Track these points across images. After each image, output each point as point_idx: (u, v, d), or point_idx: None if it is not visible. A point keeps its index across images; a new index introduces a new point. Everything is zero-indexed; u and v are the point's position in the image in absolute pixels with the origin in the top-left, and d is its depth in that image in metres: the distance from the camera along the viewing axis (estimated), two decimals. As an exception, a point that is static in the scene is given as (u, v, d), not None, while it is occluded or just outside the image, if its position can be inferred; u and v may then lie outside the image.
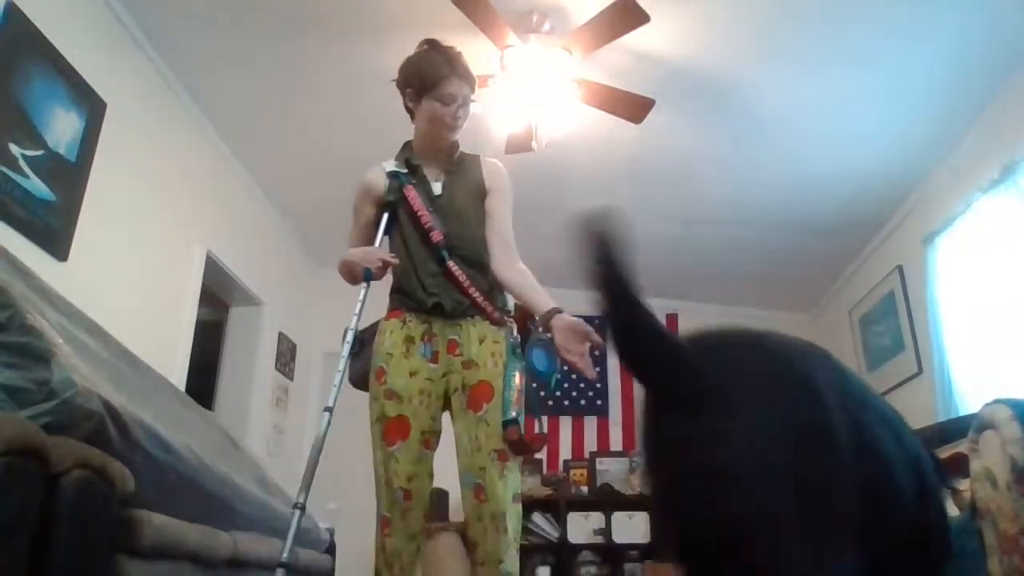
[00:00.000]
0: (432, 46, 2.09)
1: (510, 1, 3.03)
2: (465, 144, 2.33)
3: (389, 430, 1.91)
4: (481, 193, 2.11)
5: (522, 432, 1.88)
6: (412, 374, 1.94)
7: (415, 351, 1.96)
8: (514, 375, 1.94)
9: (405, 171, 2.10)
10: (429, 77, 2.02)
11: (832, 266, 5.14)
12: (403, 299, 2.02)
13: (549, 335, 1.85)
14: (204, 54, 3.46)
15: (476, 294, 1.99)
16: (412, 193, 2.05)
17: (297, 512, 1.71)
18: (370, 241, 2.10)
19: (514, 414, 1.88)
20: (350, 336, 2.01)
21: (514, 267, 2.04)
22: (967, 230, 3.58)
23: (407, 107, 2.14)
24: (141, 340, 2.52)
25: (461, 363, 1.96)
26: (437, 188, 2.11)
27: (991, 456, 1.57)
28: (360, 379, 2.04)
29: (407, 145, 2.19)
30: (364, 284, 2.01)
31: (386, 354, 1.95)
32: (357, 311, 2.05)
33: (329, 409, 1.90)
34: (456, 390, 1.97)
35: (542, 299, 1.94)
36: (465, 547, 2.04)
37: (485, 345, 1.97)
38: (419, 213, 2.02)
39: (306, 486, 1.77)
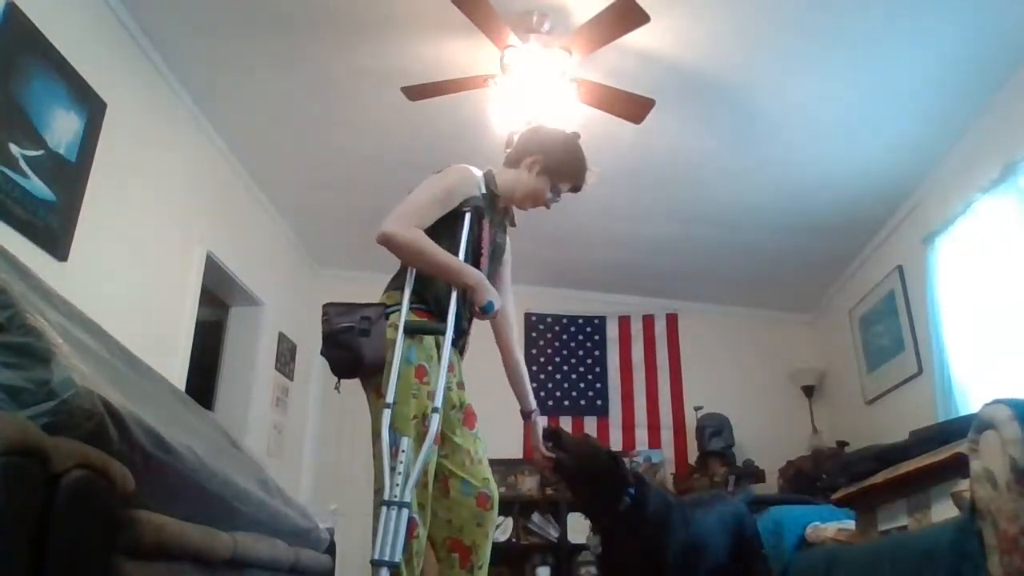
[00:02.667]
0: (583, 154, 2.26)
1: (510, 1, 3.03)
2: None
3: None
4: (502, 258, 2.27)
5: None
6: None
7: (441, 360, 1.99)
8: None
9: (486, 201, 2.14)
10: (567, 173, 2.22)
11: (832, 266, 5.14)
12: (439, 310, 2.01)
13: None
14: (204, 54, 3.46)
15: (467, 340, 2.18)
16: (487, 230, 2.11)
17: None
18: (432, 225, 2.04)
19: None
20: (398, 348, 1.91)
21: (519, 353, 2.33)
22: (967, 230, 3.58)
23: (517, 158, 2.22)
24: (141, 340, 2.52)
25: (457, 383, 2.10)
26: (497, 237, 2.20)
27: (991, 456, 1.57)
28: (375, 361, 1.91)
29: (492, 176, 2.20)
30: (484, 316, 2.03)
31: (427, 356, 1.94)
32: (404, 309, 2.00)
33: (389, 406, 1.85)
34: (455, 407, 2.08)
35: (531, 397, 2.31)
36: (438, 551, 2.03)
37: (456, 373, 2.14)
38: (483, 252, 2.10)
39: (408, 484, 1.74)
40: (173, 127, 3.68)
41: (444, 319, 1.96)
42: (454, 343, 2.06)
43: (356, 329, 1.93)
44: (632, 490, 2.43)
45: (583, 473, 2.45)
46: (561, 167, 2.20)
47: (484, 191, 2.14)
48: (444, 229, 2.02)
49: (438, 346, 1.99)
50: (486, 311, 1.97)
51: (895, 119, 3.63)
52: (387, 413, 1.83)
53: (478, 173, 2.17)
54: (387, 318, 1.97)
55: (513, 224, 2.32)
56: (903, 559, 1.98)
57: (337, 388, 2.01)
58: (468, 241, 2.04)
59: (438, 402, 1.83)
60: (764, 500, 4.19)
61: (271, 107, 3.84)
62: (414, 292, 2.00)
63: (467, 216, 2.04)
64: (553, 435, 2.45)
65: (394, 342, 1.91)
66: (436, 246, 1.97)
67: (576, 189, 2.28)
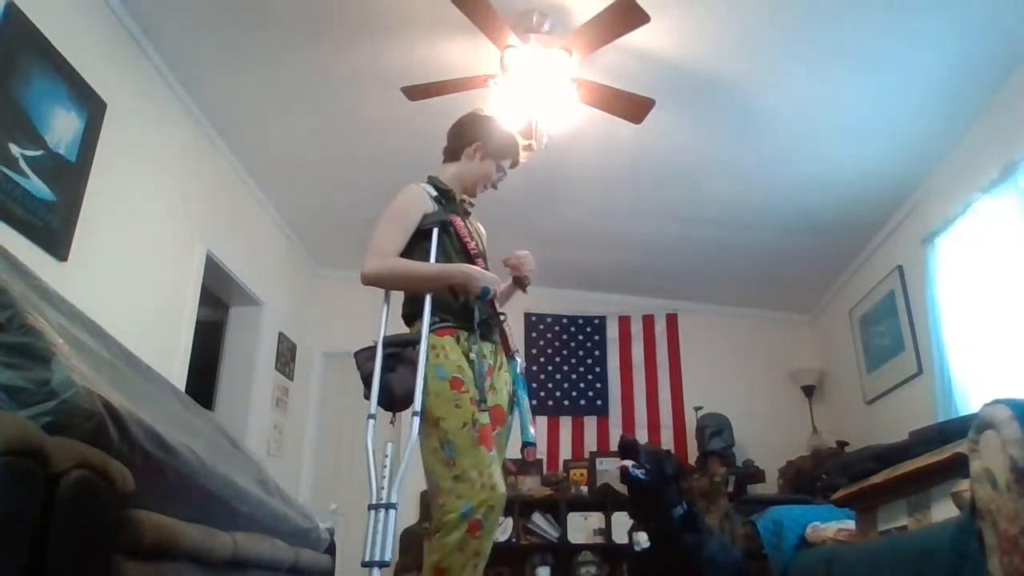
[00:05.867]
0: (509, 129, 2.45)
1: (510, 1, 3.03)
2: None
3: (486, 435, 1.93)
4: (483, 243, 2.36)
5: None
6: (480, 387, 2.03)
7: (474, 368, 2.04)
8: (525, 400, 2.15)
9: (443, 200, 2.26)
10: (506, 150, 2.37)
11: (832, 266, 5.14)
12: (455, 318, 2.08)
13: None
14: (204, 54, 3.46)
15: (504, 323, 2.21)
16: (459, 221, 2.22)
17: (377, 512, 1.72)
18: (404, 247, 2.14)
19: (532, 437, 2.09)
20: (380, 351, 2.00)
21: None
22: (967, 230, 3.57)
23: (455, 152, 2.36)
24: (141, 340, 2.52)
25: (490, 384, 2.10)
26: (470, 226, 2.29)
27: (991, 456, 1.57)
28: (405, 393, 1.96)
29: (435, 178, 2.33)
30: (478, 300, 2.09)
31: (457, 366, 1.98)
32: (383, 324, 2.09)
33: (372, 416, 1.95)
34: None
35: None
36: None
37: (502, 373, 2.15)
38: (465, 240, 2.19)
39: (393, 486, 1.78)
40: (173, 127, 3.68)
41: (471, 321, 2.07)
42: (487, 338, 2.14)
43: (384, 369, 2.00)
44: (686, 505, 2.73)
45: (651, 488, 2.71)
46: (499, 146, 2.35)
47: (436, 194, 2.25)
48: (419, 250, 2.13)
49: (469, 357, 2.04)
50: (483, 297, 2.06)
51: (895, 119, 3.63)
52: (370, 424, 1.92)
53: (423, 184, 2.27)
54: (415, 348, 2.00)
55: (472, 204, 2.41)
56: (903, 559, 1.98)
57: (392, 422, 2.05)
58: (449, 247, 2.15)
59: (417, 406, 1.88)
60: (764, 500, 4.20)
61: (271, 107, 3.84)
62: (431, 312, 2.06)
63: (435, 231, 2.15)
64: (630, 450, 2.68)
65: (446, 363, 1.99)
66: (415, 263, 2.10)
67: (516, 164, 2.42)
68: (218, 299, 4.62)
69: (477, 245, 2.24)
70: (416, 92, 3.23)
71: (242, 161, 4.31)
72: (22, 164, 2.59)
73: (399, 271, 2.08)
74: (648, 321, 5.87)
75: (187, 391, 2.97)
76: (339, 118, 3.87)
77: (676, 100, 3.53)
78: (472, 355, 2.04)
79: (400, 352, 1.99)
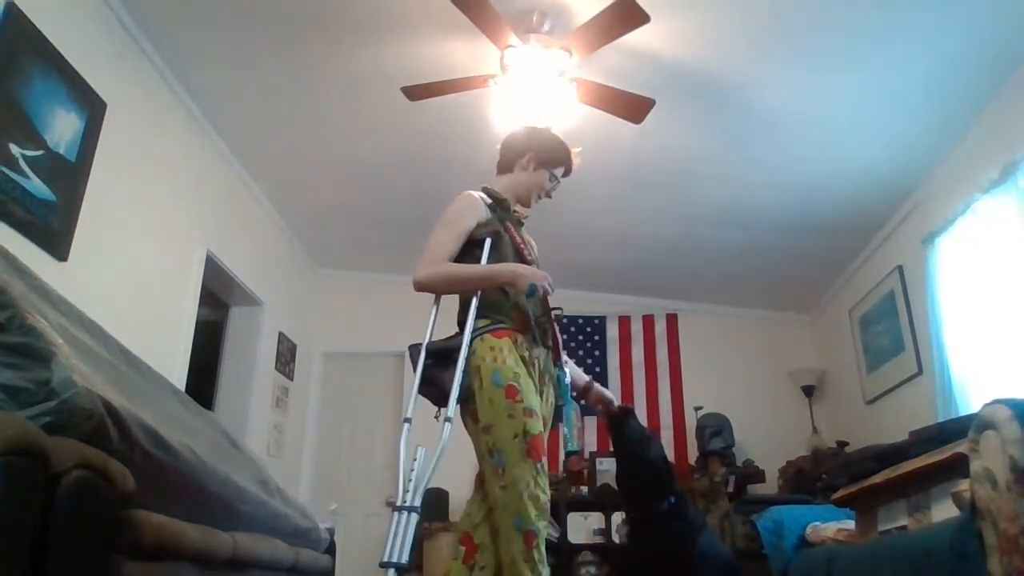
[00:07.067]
0: (561, 138, 2.47)
1: (510, 1, 3.02)
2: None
3: (536, 446, 1.94)
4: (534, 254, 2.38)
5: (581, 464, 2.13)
6: (537, 394, 2.05)
7: (531, 372, 2.05)
8: (573, 411, 2.16)
9: (497, 208, 2.28)
10: (559, 159, 2.39)
11: (832, 266, 5.14)
12: (513, 321, 2.08)
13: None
14: (204, 54, 3.46)
15: (556, 331, 2.20)
16: (512, 229, 2.26)
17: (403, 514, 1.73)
18: (458, 254, 2.15)
19: (577, 446, 2.05)
20: (422, 354, 2.04)
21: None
22: (967, 230, 3.57)
23: (508, 164, 2.38)
24: (141, 340, 2.52)
25: (539, 390, 2.10)
26: (524, 237, 2.33)
27: (991, 456, 1.57)
28: (458, 390, 1.97)
29: (489, 188, 2.35)
30: (528, 297, 2.09)
31: (513, 373, 1.98)
32: (431, 325, 2.11)
33: (408, 420, 1.98)
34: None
35: (579, 371, 2.43)
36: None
37: (550, 385, 2.15)
38: (521, 247, 2.23)
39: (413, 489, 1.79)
40: (173, 127, 3.68)
41: (527, 324, 2.08)
42: (542, 343, 2.14)
43: (436, 364, 2.02)
44: (674, 499, 2.61)
45: (636, 457, 2.60)
46: (552, 155, 2.37)
47: (490, 202, 2.27)
48: (470, 259, 2.14)
49: (527, 360, 2.04)
50: (531, 295, 2.05)
51: (895, 119, 3.63)
52: (405, 428, 1.95)
53: (479, 192, 2.29)
54: (471, 347, 2.01)
55: (526, 216, 2.44)
56: (903, 559, 1.98)
57: (436, 417, 2.03)
58: (504, 252, 2.17)
59: (450, 412, 1.90)
60: (764, 500, 4.20)
61: (271, 107, 3.84)
62: (484, 316, 2.07)
63: (487, 241, 2.16)
64: (626, 411, 2.63)
65: (478, 368, 1.99)
66: (464, 266, 2.11)
67: (568, 171, 2.43)
68: (218, 299, 4.62)
69: (530, 253, 2.27)
70: (416, 92, 3.23)
71: (242, 161, 4.31)
72: (22, 164, 2.59)
73: (448, 274, 2.10)
74: (648, 321, 5.87)
75: (187, 391, 2.96)
76: (339, 118, 3.87)
77: (676, 100, 3.52)
78: (526, 356, 2.05)
79: (455, 353, 2.01)
